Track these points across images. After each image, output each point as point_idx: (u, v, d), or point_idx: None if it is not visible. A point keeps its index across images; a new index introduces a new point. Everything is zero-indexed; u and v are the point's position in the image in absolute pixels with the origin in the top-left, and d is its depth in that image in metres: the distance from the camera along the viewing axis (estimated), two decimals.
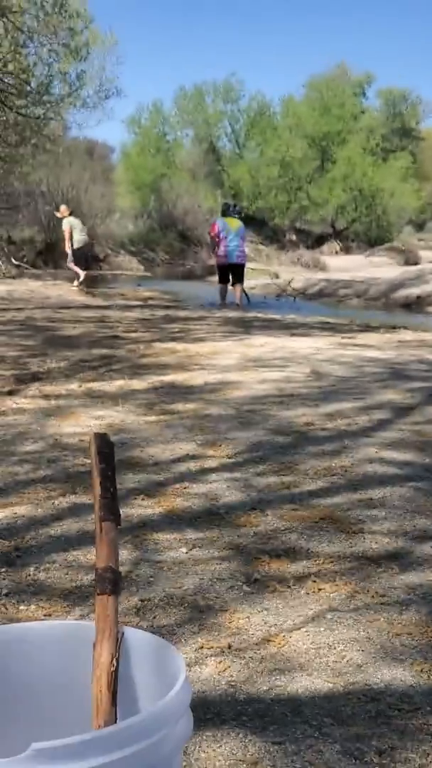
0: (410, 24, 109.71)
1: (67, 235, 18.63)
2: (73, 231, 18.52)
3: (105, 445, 1.36)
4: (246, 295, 16.45)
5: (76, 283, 18.51)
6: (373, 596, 2.56)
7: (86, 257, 19.35)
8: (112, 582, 1.25)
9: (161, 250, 32.56)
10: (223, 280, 16.10)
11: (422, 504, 3.43)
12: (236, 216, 16.40)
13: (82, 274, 18.60)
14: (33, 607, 2.49)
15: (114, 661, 1.20)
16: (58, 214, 19.19)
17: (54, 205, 19.76)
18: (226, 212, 16.47)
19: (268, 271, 19.01)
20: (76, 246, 18.61)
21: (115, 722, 1.15)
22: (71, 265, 18.91)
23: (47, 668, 1.32)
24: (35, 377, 6.20)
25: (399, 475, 3.80)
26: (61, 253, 19.26)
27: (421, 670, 2.13)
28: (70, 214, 18.83)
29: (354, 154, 43.67)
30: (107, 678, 1.18)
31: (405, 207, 45.78)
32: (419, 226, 50.76)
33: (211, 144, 45.77)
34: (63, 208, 19.36)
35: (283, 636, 2.32)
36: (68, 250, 18.84)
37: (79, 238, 18.59)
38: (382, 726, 1.89)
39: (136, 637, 1.28)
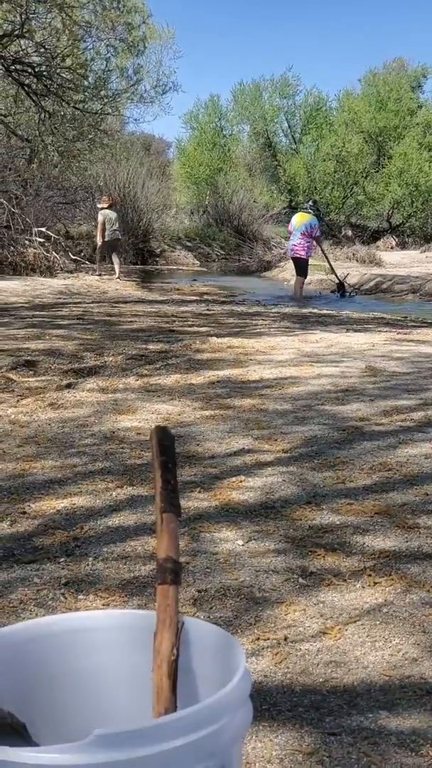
0: None
1: (100, 227, 18.60)
2: (106, 224, 18.48)
3: (166, 437, 1.38)
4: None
5: (115, 276, 18.55)
6: (428, 590, 2.56)
7: (112, 252, 19.20)
8: (173, 572, 1.27)
9: (217, 246, 32.52)
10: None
11: None
12: (310, 211, 16.85)
13: (115, 269, 18.64)
14: (91, 596, 2.52)
15: (174, 650, 1.22)
16: (100, 205, 19.17)
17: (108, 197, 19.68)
18: (302, 208, 17.18)
19: (323, 266, 18.94)
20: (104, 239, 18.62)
21: (176, 710, 1.17)
22: (110, 258, 18.94)
23: (108, 656, 1.34)
24: (93, 371, 6.25)
25: None
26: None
27: None
28: (109, 207, 18.78)
29: (410, 149, 43.29)
30: (168, 667, 1.20)
31: None
32: None
33: (267, 139, 45.63)
34: (105, 198, 19.33)
35: (339, 629, 2.33)
36: (98, 241, 18.87)
37: (108, 231, 18.55)
38: None
39: (197, 627, 1.30)
